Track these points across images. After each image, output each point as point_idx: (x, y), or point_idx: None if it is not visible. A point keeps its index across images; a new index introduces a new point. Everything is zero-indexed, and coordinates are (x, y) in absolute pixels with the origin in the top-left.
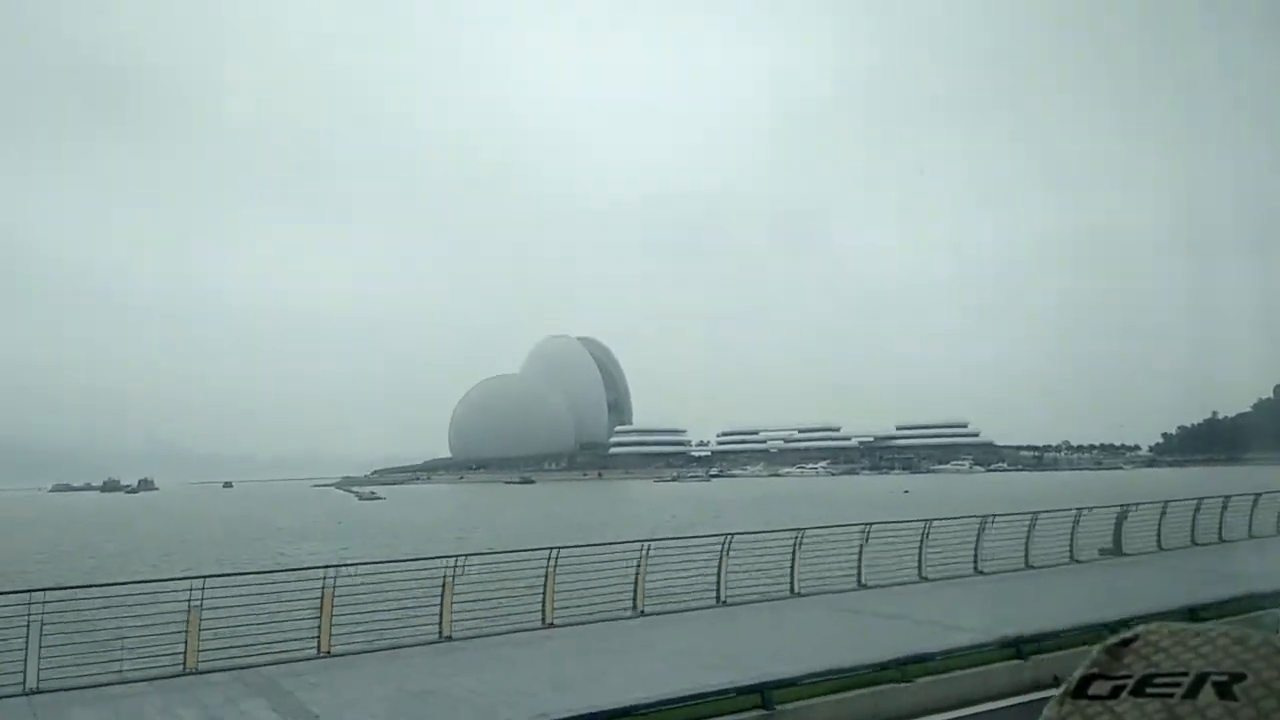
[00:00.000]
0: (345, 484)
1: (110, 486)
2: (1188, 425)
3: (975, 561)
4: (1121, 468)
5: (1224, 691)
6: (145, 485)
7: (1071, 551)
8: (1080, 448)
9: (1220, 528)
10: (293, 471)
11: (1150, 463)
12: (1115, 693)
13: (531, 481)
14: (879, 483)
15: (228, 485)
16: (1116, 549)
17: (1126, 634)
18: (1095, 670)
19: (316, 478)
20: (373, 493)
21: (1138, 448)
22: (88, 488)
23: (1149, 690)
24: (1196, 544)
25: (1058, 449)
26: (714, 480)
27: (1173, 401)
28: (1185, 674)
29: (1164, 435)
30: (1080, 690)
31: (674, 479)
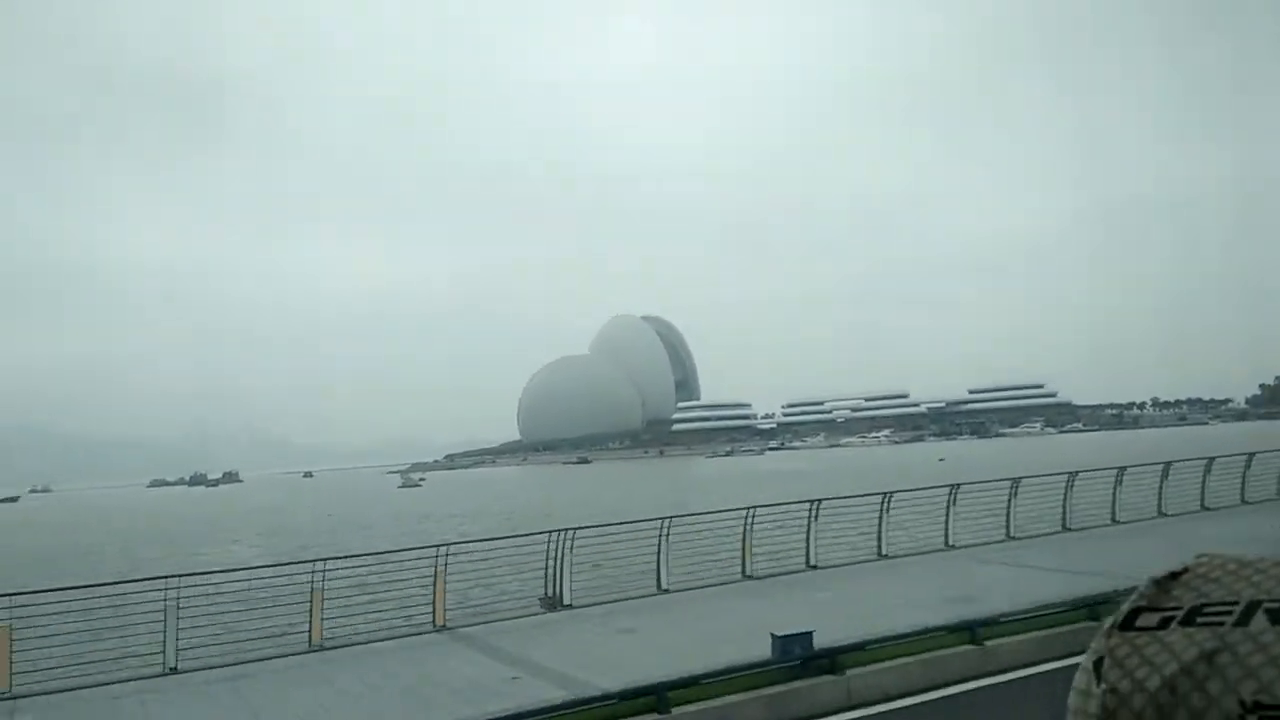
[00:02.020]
0: (415, 469)
1: (196, 480)
2: None
3: (944, 537)
4: (1207, 423)
5: (1276, 617)
6: (230, 478)
7: (1064, 520)
8: (1169, 403)
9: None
10: (377, 459)
11: (1241, 416)
12: (1164, 624)
13: (588, 461)
14: (931, 449)
15: (308, 475)
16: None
17: (1175, 567)
18: (1143, 603)
19: (392, 464)
20: (421, 478)
21: (1228, 401)
22: (181, 482)
23: (1199, 620)
24: (1206, 509)
25: (1141, 406)
26: (768, 453)
27: (1270, 351)
28: (1236, 602)
29: (1261, 387)
30: (1128, 623)
31: (727, 454)
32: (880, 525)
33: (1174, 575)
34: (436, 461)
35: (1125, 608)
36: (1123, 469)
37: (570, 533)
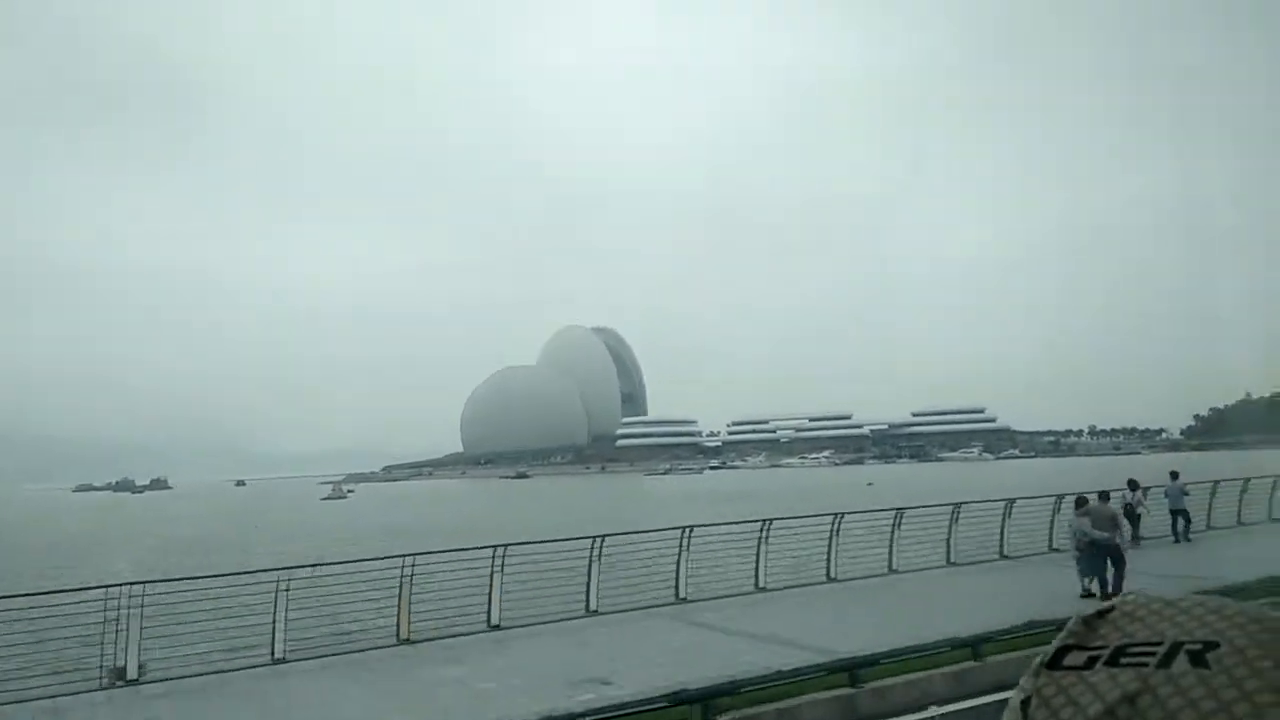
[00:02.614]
0: (350, 480)
1: (122, 486)
2: (1220, 407)
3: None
4: (1140, 452)
5: (1197, 659)
6: (158, 484)
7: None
8: (1106, 432)
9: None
10: (327, 466)
11: (1174, 446)
12: (1090, 663)
13: (526, 476)
14: (867, 473)
15: (240, 484)
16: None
17: (1103, 605)
18: (1071, 641)
19: (329, 475)
20: (350, 490)
21: (1161, 432)
22: (108, 487)
23: (1123, 660)
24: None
25: (1078, 434)
26: (707, 473)
27: (1206, 383)
28: (1160, 643)
29: (1196, 418)
30: (1056, 661)
31: (665, 472)
32: (679, 566)
33: (1101, 614)
34: (373, 473)
35: (1053, 645)
36: (958, 505)
37: (411, 559)
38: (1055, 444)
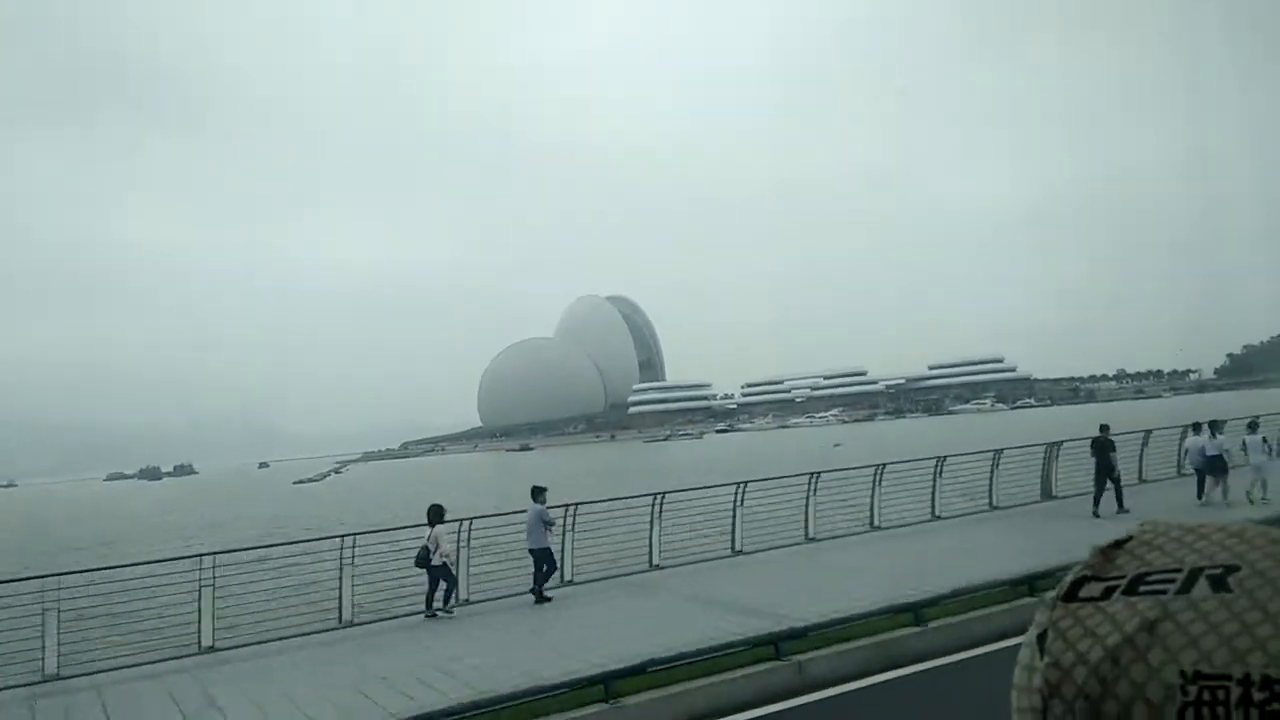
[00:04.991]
0: (366, 457)
1: (148, 474)
2: (1255, 344)
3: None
4: (1162, 395)
5: (1218, 584)
6: (182, 470)
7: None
8: (1136, 375)
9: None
10: (344, 446)
11: (1200, 388)
12: (1107, 593)
13: (530, 448)
14: (879, 429)
15: (264, 466)
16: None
17: (1120, 535)
18: (1088, 573)
19: (347, 454)
20: (335, 470)
21: (1190, 373)
22: (138, 475)
23: (1142, 588)
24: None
25: (1101, 379)
26: (708, 437)
27: (1239, 320)
28: (1180, 569)
29: (1229, 356)
30: (1071, 594)
31: (665, 438)
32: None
33: (1119, 544)
34: (389, 450)
35: (1069, 578)
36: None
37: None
38: (1075, 391)
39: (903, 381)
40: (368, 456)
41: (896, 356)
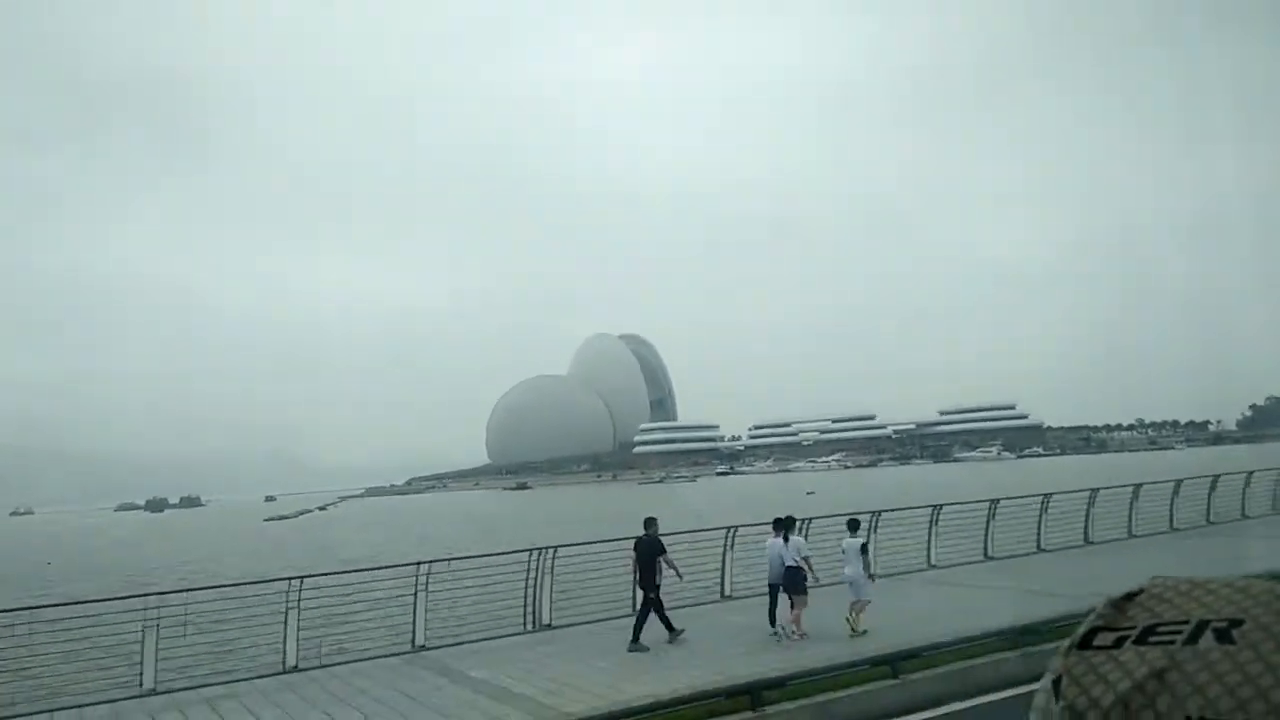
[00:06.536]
0: (370, 493)
1: (154, 505)
2: (1278, 396)
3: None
4: (1174, 447)
5: (1223, 636)
6: (188, 502)
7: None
8: (1153, 425)
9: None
10: (357, 480)
11: (1216, 440)
12: (1119, 643)
13: (527, 487)
14: (880, 475)
15: (270, 499)
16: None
17: (1132, 588)
18: (1100, 623)
19: (350, 489)
20: (323, 506)
21: (1207, 424)
22: (145, 507)
23: (1151, 639)
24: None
25: (1116, 428)
26: (701, 481)
27: (1268, 369)
28: (1187, 622)
29: (1252, 408)
30: (1085, 642)
31: (660, 480)
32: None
33: (1129, 596)
34: (392, 485)
35: (1083, 628)
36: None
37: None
38: (1086, 440)
39: (912, 427)
40: (370, 492)
41: (909, 401)
